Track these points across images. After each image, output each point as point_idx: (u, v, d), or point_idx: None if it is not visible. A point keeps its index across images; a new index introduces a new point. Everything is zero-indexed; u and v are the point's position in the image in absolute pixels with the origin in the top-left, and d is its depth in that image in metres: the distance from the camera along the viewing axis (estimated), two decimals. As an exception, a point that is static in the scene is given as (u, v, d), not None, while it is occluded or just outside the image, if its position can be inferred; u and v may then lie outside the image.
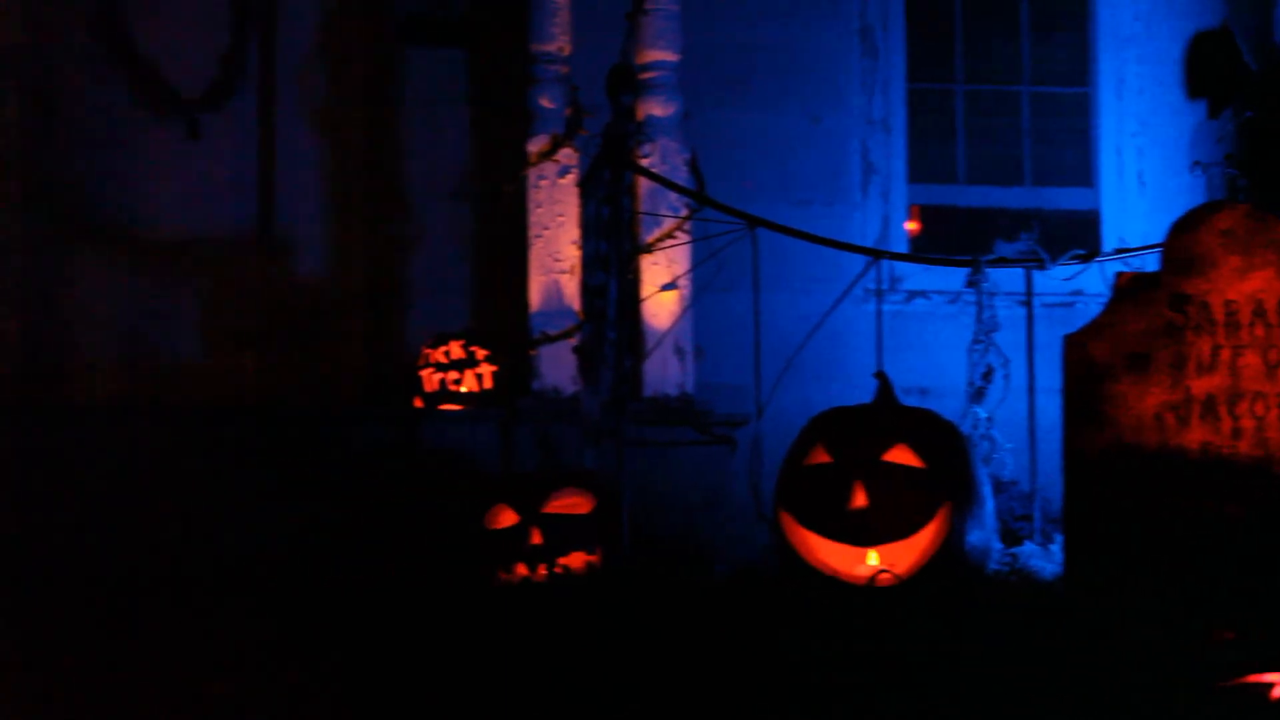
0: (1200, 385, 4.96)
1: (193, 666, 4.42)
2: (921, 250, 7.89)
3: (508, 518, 5.39)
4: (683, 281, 6.75)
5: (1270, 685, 3.96)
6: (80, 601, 4.97)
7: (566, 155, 6.79)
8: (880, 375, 5.37)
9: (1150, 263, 5.37)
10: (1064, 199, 8.21)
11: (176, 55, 7.62)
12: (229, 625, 4.64)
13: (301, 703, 4.14)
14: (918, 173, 8.09)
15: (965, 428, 5.81)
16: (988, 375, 6.08)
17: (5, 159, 7.42)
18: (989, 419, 6.07)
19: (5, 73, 7.43)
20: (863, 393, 5.58)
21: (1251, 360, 4.94)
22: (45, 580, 5.28)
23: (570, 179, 6.78)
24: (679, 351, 6.77)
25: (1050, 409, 5.58)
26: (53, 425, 6.54)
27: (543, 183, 6.82)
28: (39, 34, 7.51)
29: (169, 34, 7.62)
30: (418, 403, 6.84)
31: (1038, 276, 6.16)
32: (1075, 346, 5.12)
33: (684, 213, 6.65)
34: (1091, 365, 5.07)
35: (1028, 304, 6.05)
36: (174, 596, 4.95)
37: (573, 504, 5.40)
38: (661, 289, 6.72)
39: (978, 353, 6.11)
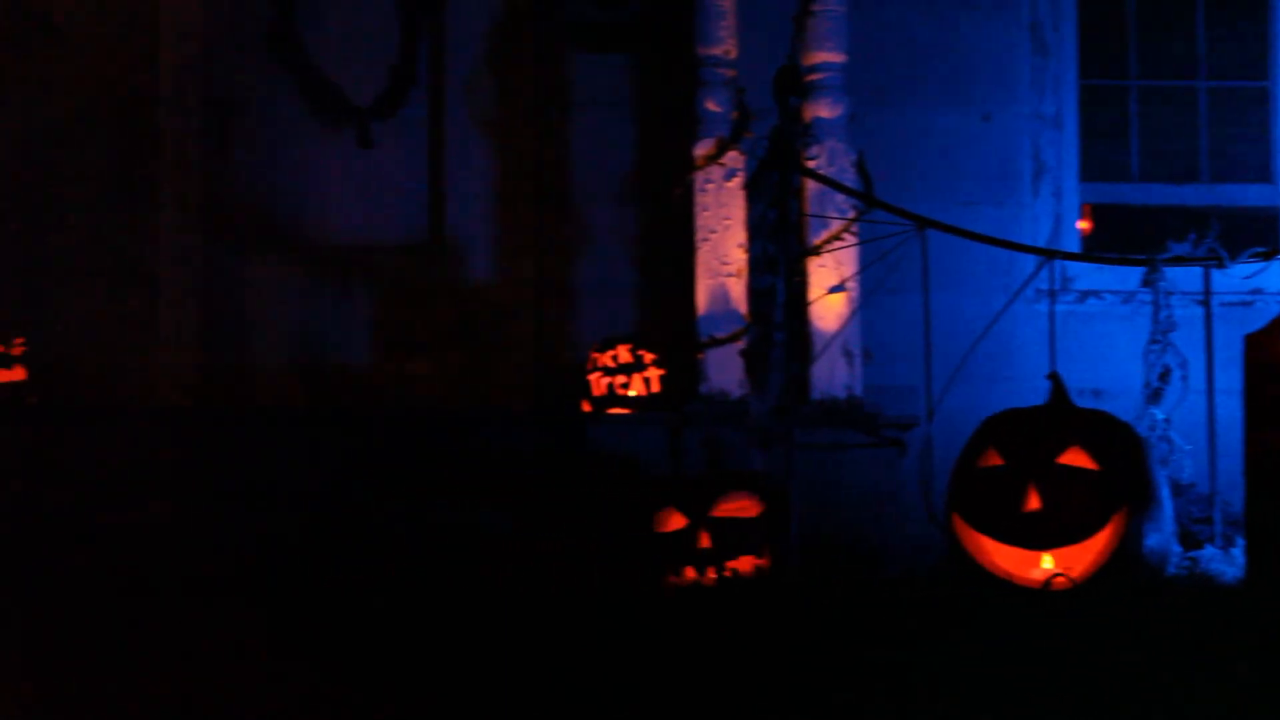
0: (1386, 384, 4.83)
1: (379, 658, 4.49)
2: (1093, 249, 7.76)
3: (676, 521, 5.40)
4: (850, 283, 6.71)
5: None
6: (261, 606, 5.05)
7: (733, 158, 6.78)
8: (1054, 376, 5.30)
9: (1332, 260, 5.23)
10: (1242, 196, 8.02)
11: (348, 66, 7.74)
12: (408, 627, 4.70)
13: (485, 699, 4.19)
14: (1089, 171, 7.96)
15: (1142, 429, 5.71)
16: (1165, 376, 5.96)
17: (186, 168, 7.60)
18: (1166, 420, 5.95)
19: (186, 86, 7.61)
20: (1033, 394, 5.51)
21: None
22: (229, 586, 5.37)
23: (737, 182, 6.77)
24: (847, 354, 6.72)
25: (1229, 410, 5.47)
26: (230, 428, 6.66)
27: (709, 186, 6.81)
28: (218, 49, 7.68)
29: (341, 45, 7.74)
30: (585, 406, 6.87)
31: (1215, 275, 6.03)
32: (1256, 345, 5.01)
33: (851, 214, 6.61)
34: (1273, 364, 4.95)
35: (1206, 303, 5.92)
36: (353, 601, 5.02)
37: (741, 507, 5.39)
38: (829, 291, 6.68)
39: (1154, 353, 5.99)
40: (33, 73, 7.64)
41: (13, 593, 5.07)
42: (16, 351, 6.71)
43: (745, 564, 5.33)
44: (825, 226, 6.64)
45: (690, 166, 6.86)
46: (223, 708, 4.20)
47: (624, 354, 6.84)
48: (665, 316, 7.45)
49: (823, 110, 6.79)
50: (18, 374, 6.69)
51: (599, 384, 6.84)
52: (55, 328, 7.38)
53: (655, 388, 6.78)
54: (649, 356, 6.82)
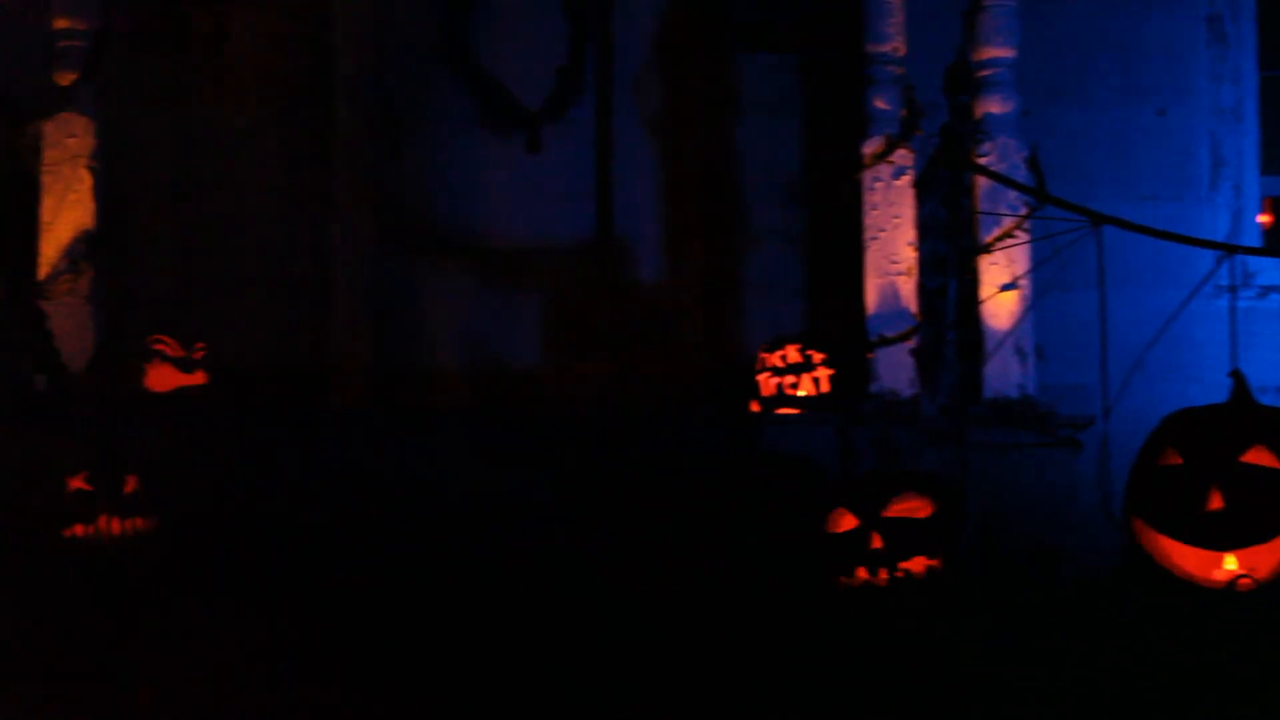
0: None
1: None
2: (1276, 244, 7.60)
3: (847, 522, 5.37)
4: (1022, 281, 6.63)
5: None
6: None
7: (902, 156, 6.74)
8: (1236, 374, 5.19)
9: None
10: None
11: (516, 71, 7.79)
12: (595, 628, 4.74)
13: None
14: (1271, 164, 7.79)
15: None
16: (1351, 372, 5.81)
17: (358, 174, 7.71)
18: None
19: (359, 93, 7.72)
20: (1212, 392, 5.40)
21: None
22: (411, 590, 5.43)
23: (906, 180, 6.73)
24: (1019, 352, 6.64)
25: None
26: (404, 430, 6.74)
27: (878, 184, 6.78)
28: (390, 56, 7.79)
29: (509, 50, 7.80)
30: (754, 407, 6.86)
31: (1403, 268, 5.87)
32: None
33: (1023, 211, 6.53)
34: None
35: (1393, 297, 5.77)
36: (523, 606, 5.07)
37: (913, 508, 5.35)
38: (1001, 289, 6.61)
39: (1339, 349, 5.85)
40: (209, 82, 7.81)
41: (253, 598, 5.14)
42: (198, 355, 6.85)
43: (918, 565, 5.28)
44: (996, 223, 6.58)
45: (858, 165, 6.83)
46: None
47: (793, 354, 6.82)
48: (833, 316, 7.42)
49: (993, 106, 6.73)
50: (199, 378, 6.83)
51: (768, 384, 6.83)
52: (233, 332, 7.52)
53: (824, 387, 6.76)
54: (818, 356, 6.80)
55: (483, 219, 7.84)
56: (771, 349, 6.88)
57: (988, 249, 6.58)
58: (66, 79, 6.87)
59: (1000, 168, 6.58)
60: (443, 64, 7.78)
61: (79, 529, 5.51)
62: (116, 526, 5.54)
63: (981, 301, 6.58)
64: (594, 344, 7.75)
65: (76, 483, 5.53)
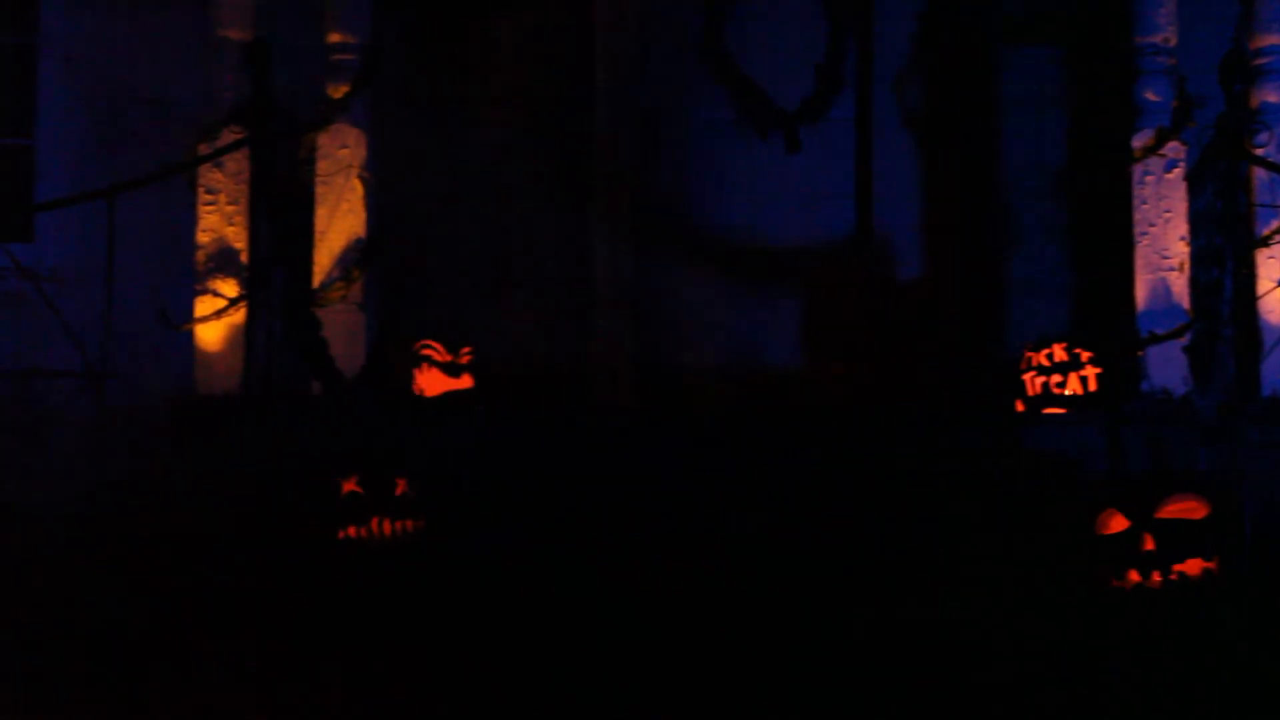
0: None
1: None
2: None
3: (1118, 523, 5.25)
4: (1303, 276, 6.41)
5: None
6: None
7: (1173, 149, 6.57)
8: None
9: None
10: None
11: (773, 71, 7.80)
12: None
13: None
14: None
15: None
16: None
17: (618, 178, 7.78)
18: None
19: (619, 98, 7.79)
20: None
21: None
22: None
23: (1177, 173, 6.55)
24: (1300, 349, 6.42)
25: None
26: (664, 431, 6.77)
27: (1148, 178, 6.61)
28: (649, 60, 7.85)
29: (765, 52, 7.81)
30: (1019, 406, 6.74)
31: None
32: None
33: (1304, 203, 6.32)
34: None
35: None
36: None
37: (1187, 509, 5.21)
38: (1279, 284, 6.39)
39: None
40: (475, 91, 7.95)
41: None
42: (464, 360, 6.95)
43: (1192, 567, 5.14)
44: (1275, 216, 6.37)
45: (1127, 159, 6.67)
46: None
47: (1059, 352, 6.69)
48: (1099, 313, 7.26)
49: (1271, 95, 6.52)
50: (465, 382, 6.94)
51: (1033, 383, 6.71)
52: (496, 335, 7.64)
53: (1091, 386, 6.61)
54: (1084, 354, 6.65)
55: (739, 219, 7.85)
56: (1037, 347, 6.75)
57: (1264, 242, 6.38)
58: (339, 91, 7.06)
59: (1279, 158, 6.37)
60: (700, 67, 7.81)
61: (352, 530, 5.62)
62: (388, 528, 5.64)
63: (1259, 297, 6.37)
64: (852, 343, 7.70)
65: (350, 485, 5.64)
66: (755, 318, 7.81)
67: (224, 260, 7.04)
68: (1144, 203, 6.63)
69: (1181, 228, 6.52)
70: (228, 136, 6.97)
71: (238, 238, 7.04)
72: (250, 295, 6.69)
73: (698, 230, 7.87)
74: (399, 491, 5.67)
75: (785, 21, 7.84)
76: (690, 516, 5.92)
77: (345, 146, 7.09)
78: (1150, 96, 6.64)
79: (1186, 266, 6.48)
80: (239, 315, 6.96)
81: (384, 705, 4.38)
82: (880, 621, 4.77)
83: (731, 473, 6.29)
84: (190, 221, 7.13)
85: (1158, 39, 6.63)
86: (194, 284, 7.08)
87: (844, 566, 5.45)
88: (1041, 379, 6.68)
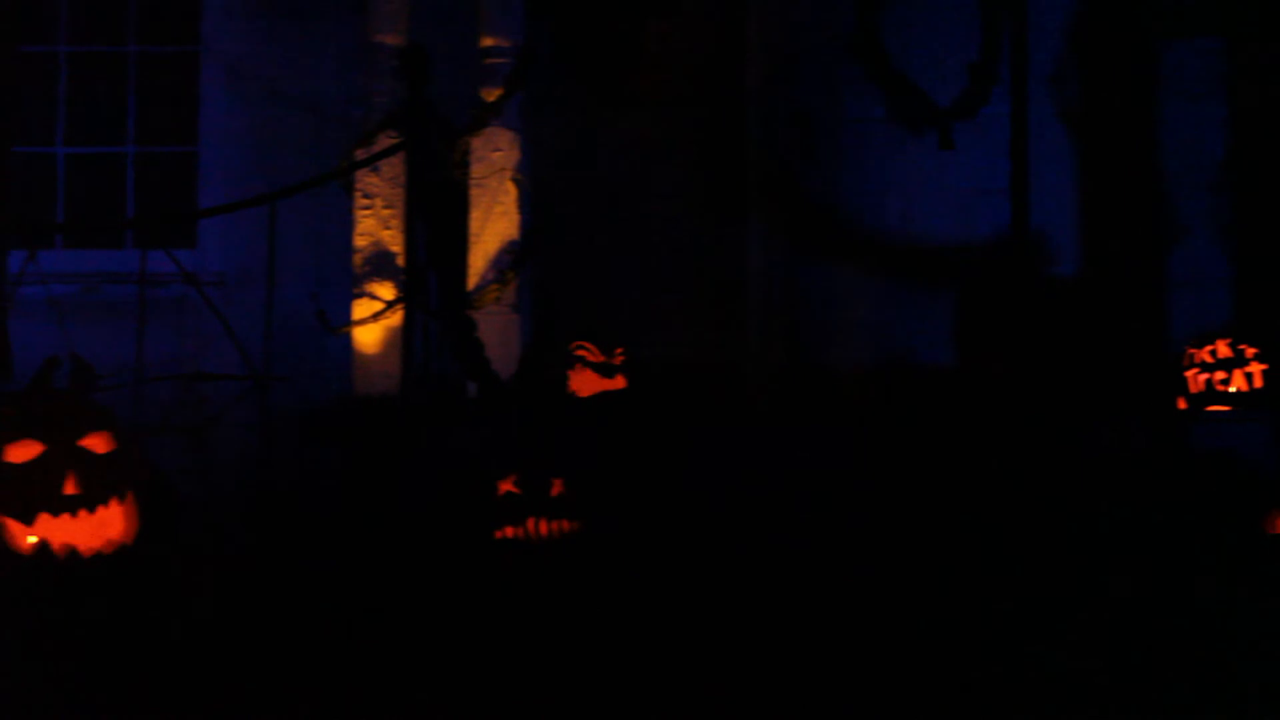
0: None
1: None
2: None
3: (1289, 523, 5.14)
4: None
5: None
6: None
7: (1344, 138, 6.42)
8: None
9: None
10: None
11: (926, 68, 7.73)
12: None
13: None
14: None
15: None
16: None
17: (770, 177, 7.76)
18: None
19: (770, 98, 7.78)
20: None
21: None
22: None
23: (1347, 163, 6.40)
24: None
25: None
26: (818, 431, 6.73)
27: (1316, 169, 6.47)
28: (800, 59, 7.82)
29: (919, 48, 7.75)
30: (1181, 404, 6.62)
31: None
32: None
33: None
34: None
35: None
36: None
37: (1360, 508, 5.08)
38: None
39: None
40: (623, 90, 7.98)
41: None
42: (618, 360, 6.98)
43: (1368, 569, 5.01)
44: None
45: (1293, 150, 6.53)
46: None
47: (1223, 349, 6.56)
48: (1264, 308, 7.10)
49: None
50: (619, 382, 6.96)
51: (1196, 380, 6.59)
52: (647, 335, 7.65)
53: (1257, 383, 6.48)
54: (1250, 351, 6.52)
55: (892, 218, 7.80)
56: (1200, 344, 6.63)
57: None
58: (492, 94, 7.12)
59: None
60: (852, 65, 7.77)
61: (509, 531, 5.65)
62: (544, 529, 5.66)
63: None
64: (1008, 342, 7.60)
65: (506, 486, 5.66)
66: (908, 317, 7.75)
67: (380, 264, 7.12)
68: (1311, 194, 6.49)
69: (1351, 220, 6.38)
70: (384, 141, 7.05)
71: (394, 241, 7.12)
72: (407, 298, 6.74)
73: (849, 229, 7.82)
74: (555, 492, 5.68)
75: (937, 16, 7.77)
76: (845, 517, 5.88)
77: (498, 149, 7.15)
78: (1318, 86, 6.51)
79: (1355, 259, 6.34)
80: (395, 318, 7.04)
81: (539, 703, 4.40)
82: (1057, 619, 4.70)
83: (886, 473, 6.24)
84: (347, 226, 7.23)
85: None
86: (351, 287, 7.18)
87: (1007, 569, 5.38)
88: (1205, 376, 6.56)
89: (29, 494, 4.88)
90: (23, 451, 4.92)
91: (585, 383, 6.92)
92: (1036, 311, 7.58)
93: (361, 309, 7.12)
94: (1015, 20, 7.63)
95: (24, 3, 7.32)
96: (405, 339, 6.70)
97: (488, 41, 7.19)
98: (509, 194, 7.17)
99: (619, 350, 6.99)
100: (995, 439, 6.39)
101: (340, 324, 7.14)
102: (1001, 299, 7.64)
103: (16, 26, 6.94)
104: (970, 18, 7.71)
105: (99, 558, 4.95)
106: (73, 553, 4.92)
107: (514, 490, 5.65)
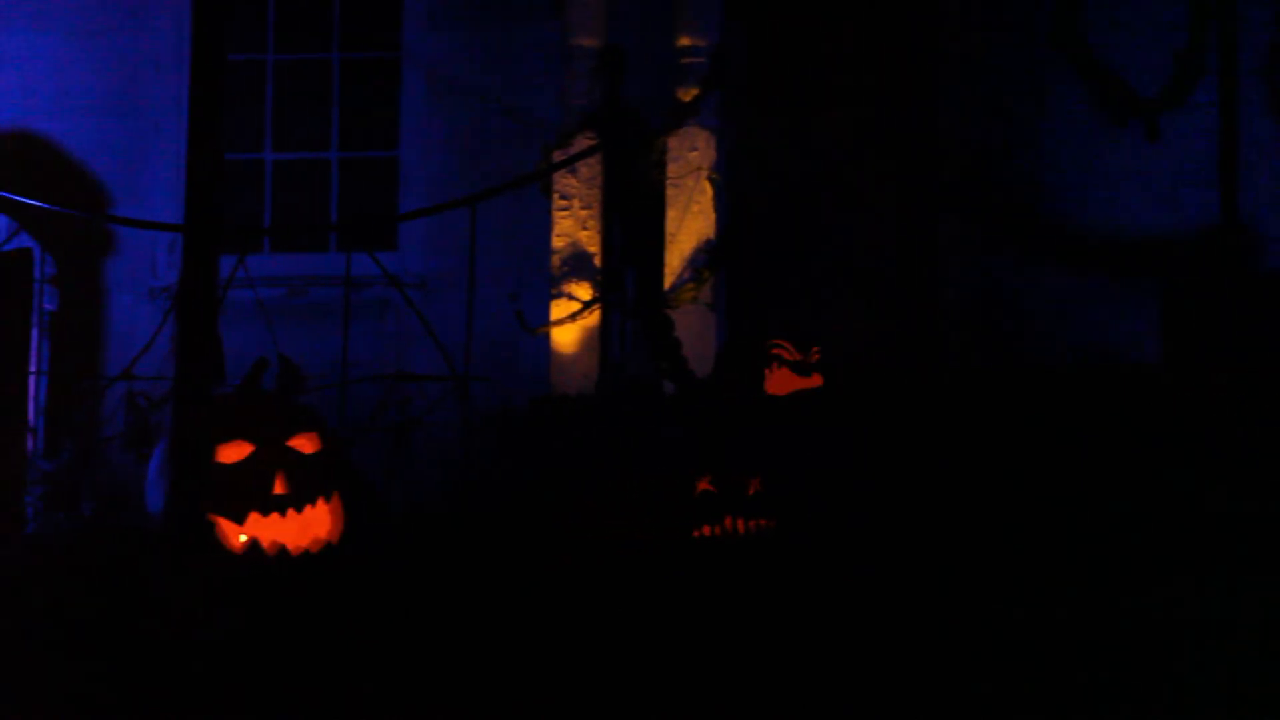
0: None
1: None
2: None
3: None
4: None
5: None
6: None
7: None
8: None
9: None
10: None
11: (1130, 59, 7.60)
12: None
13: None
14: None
15: None
16: None
17: (964, 169, 7.68)
18: None
19: (963, 89, 7.69)
20: None
21: None
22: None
23: None
24: None
25: None
26: (1013, 432, 6.63)
27: None
28: (996, 50, 7.73)
29: (1122, 38, 7.62)
30: None
31: None
32: None
33: None
34: None
35: None
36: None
37: None
38: None
39: None
40: (816, 86, 7.94)
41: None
42: (814, 359, 6.94)
43: None
44: None
45: None
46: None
47: None
48: None
49: None
50: (815, 381, 6.92)
51: None
52: (840, 333, 7.60)
53: None
54: None
55: (1093, 212, 7.68)
56: None
57: None
58: (688, 94, 7.14)
59: None
60: (1050, 56, 7.65)
61: (706, 529, 5.65)
62: (740, 527, 5.65)
63: None
64: (1219, 341, 7.42)
65: (704, 484, 5.66)
66: (1110, 313, 7.61)
67: (577, 264, 7.18)
68: None
69: None
70: (581, 143, 7.11)
71: (591, 242, 7.17)
72: (603, 298, 6.82)
73: (1048, 224, 7.71)
74: (752, 491, 5.68)
75: (1140, 6, 7.63)
76: (1050, 521, 5.78)
77: (694, 149, 7.16)
78: None
79: None
80: (592, 318, 7.09)
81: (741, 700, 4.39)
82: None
83: (1097, 479, 6.12)
84: (543, 227, 7.30)
85: None
86: (548, 288, 7.25)
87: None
88: None
89: (240, 493, 5.01)
90: (234, 452, 5.05)
91: (781, 381, 6.89)
92: (1248, 309, 7.39)
93: (559, 309, 7.18)
94: (1223, 8, 7.46)
95: (233, 13, 7.51)
96: (602, 338, 6.76)
97: (684, 41, 7.21)
98: (705, 193, 7.18)
99: (815, 348, 6.95)
100: (1211, 441, 6.23)
101: (537, 324, 7.21)
102: (1208, 296, 7.46)
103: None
104: (1174, 6, 7.56)
105: (307, 556, 5.07)
106: (282, 551, 5.04)
107: (710, 489, 5.65)
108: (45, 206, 6.88)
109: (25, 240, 7.02)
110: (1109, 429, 6.62)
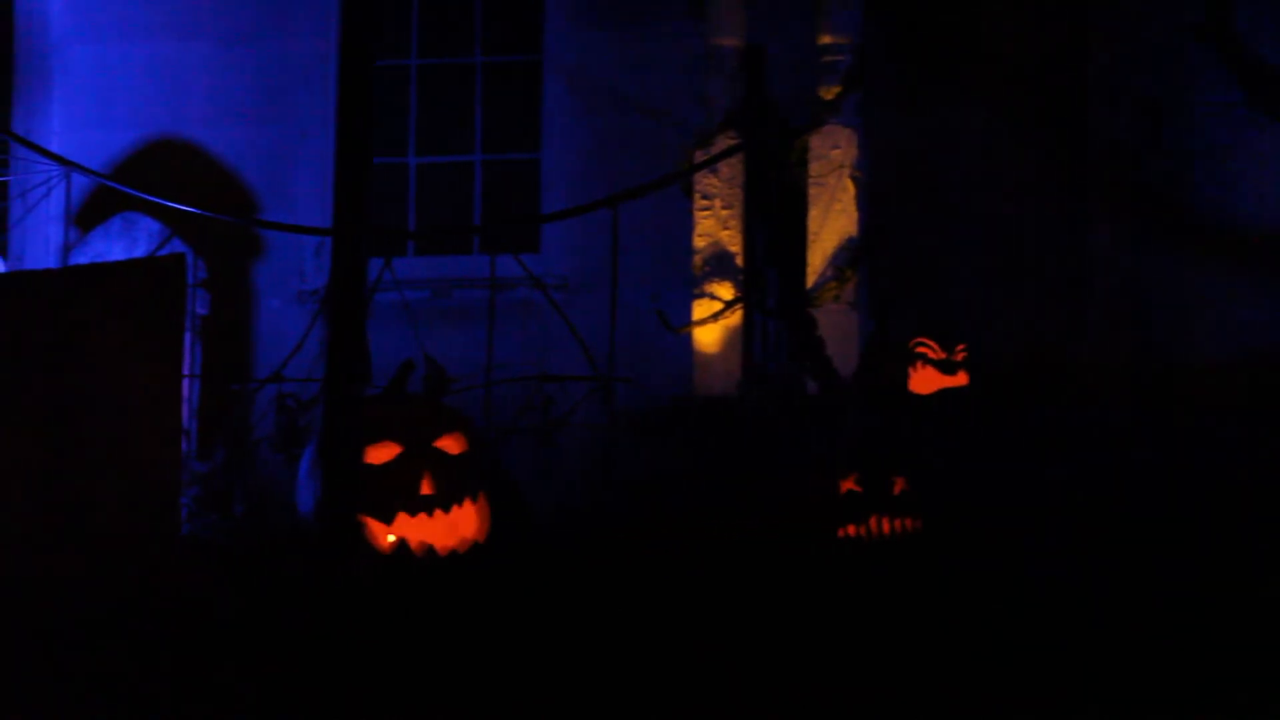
0: None
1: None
2: None
3: None
4: None
5: None
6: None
7: None
8: None
9: None
10: None
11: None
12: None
13: None
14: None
15: None
16: None
17: (1115, 167, 7.58)
18: None
19: (1115, 85, 7.60)
20: None
21: None
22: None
23: None
24: None
25: None
26: (1168, 429, 6.54)
27: None
28: (1146, 44, 7.62)
29: (1273, 31, 7.47)
30: None
31: None
32: None
33: None
34: None
35: None
36: None
37: None
38: None
39: None
40: (960, 83, 7.87)
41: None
42: (959, 357, 6.89)
43: None
44: None
45: None
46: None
47: None
48: None
49: None
50: (960, 379, 6.87)
51: None
52: (985, 329, 7.54)
53: None
54: None
55: (1246, 207, 7.56)
56: None
57: None
58: (830, 92, 7.12)
59: None
60: (1201, 49, 7.52)
61: (850, 529, 5.65)
62: (886, 527, 5.64)
63: None
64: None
65: (848, 484, 5.66)
66: (1266, 310, 7.47)
67: (719, 264, 7.19)
68: None
69: None
70: (722, 142, 7.11)
71: (732, 241, 7.17)
72: (745, 298, 6.82)
73: (1200, 219, 7.59)
74: (897, 490, 5.66)
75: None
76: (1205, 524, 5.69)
77: (837, 147, 7.14)
78: None
79: None
80: (734, 318, 7.09)
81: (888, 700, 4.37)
82: None
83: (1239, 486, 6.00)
84: (686, 227, 7.32)
85: None
86: (690, 288, 7.26)
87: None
88: None
89: (388, 494, 5.08)
90: (382, 453, 5.12)
91: (926, 379, 6.86)
92: None
93: (701, 309, 7.19)
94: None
95: (379, 19, 7.61)
96: (744, 338, 6.76)
97: (825, 40, 7.19)
98: (847, 191, 7.16)
99: (960, 346, 6.91)
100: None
101: (680, 324, 7.22)
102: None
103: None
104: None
105: (454, 556, 5.12)
106: (430, 551, 5.10)
107: (855, 489, 5.65)
108: (198, 212, 7.02)
109: (178, 245, 7.16)
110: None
